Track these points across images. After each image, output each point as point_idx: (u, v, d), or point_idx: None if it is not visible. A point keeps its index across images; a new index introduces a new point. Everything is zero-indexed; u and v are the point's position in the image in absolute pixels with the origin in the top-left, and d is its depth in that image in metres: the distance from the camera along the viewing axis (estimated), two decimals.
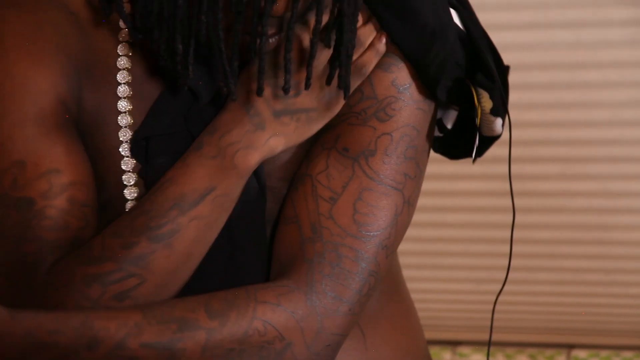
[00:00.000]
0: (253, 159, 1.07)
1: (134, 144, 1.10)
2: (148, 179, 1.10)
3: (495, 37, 1.21)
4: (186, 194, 1.07)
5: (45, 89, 1.12)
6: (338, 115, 1.10)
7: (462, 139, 1.24)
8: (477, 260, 2.20)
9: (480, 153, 1.24)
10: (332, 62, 1.06)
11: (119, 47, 1.12)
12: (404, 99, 1.10)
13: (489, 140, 1.20)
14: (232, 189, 1.07)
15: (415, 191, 1.12)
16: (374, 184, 1.08)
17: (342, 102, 1.08)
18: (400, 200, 1.09)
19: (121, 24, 1.12)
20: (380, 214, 1.08)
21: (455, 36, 1.13)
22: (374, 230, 1.08)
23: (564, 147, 2.09)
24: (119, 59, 1.12)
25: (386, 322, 1.18)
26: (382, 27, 1.10)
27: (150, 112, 1.10)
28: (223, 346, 1.03)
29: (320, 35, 1.05)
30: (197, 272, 1.09)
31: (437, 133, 1.21)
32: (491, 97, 1.14)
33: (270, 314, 1.04)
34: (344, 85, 1.06)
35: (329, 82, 1.07)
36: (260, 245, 1.10)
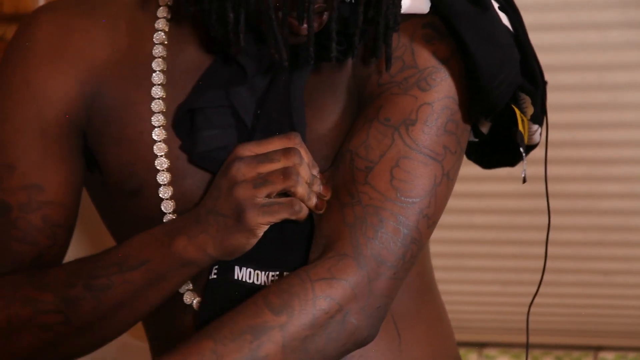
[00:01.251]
0: (186, 248, 1.08)
1: (176, 119, 1.11)
2: (192, 152, 1.11)
3: None
4: (130, 256, 1.10)
5: (54, 99, 1.15)
6: (380, 85, 1.10)
7: (497, 147, 1.23)
8: (503, 262, 2.19)
9: (514, 162, 1.23)
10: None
11: (154, 35, 1.14)
12: (444, 70, 1.10)
13: (524, 154, 1.20)
14: (164, 269, 1.09)
15: (455, 166, 1.11)
16: (413, 152, 1.08)
17: (256, 224, 1.07)
18: (439, 171, 1.09)
19: (158, 13, 1.15)
20: (418, 182, 1.08)
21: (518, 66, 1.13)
22: (412, 196, 1.08)
23: (591, 149, 2.09)
24: (155, 48, 1.14)
25: (421, 324, 1.18)
26: (458, 44, 1.10)
27: (195, 87, 1.12)
28: (299, 336, 1.04)
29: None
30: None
31: (472, 138, 1.20)
32: (533, 103, 1.14)
33: (328, 289, 1.05)
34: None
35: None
36: (305, 252, 1.11)
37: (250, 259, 1.11)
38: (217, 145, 1.11)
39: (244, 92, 1.10)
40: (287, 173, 1.05)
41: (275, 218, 1.06)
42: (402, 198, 1.07)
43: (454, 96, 1.10)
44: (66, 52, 1.15)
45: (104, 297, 1.10)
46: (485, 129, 1.20)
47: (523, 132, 1.15)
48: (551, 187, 2.10)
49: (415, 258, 1.09)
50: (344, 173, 1.10)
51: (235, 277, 1.11)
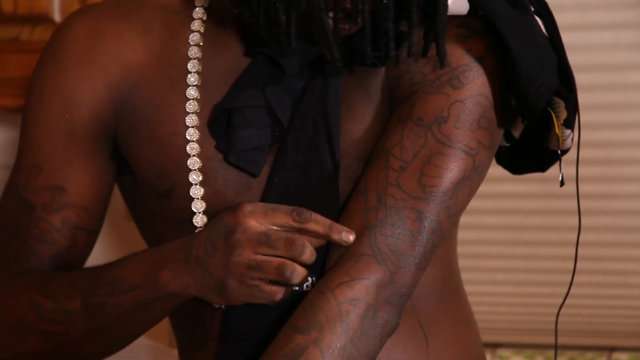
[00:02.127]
0: (170, 283, 1.10)
1: (212, 119, 1.12)
2: (228, 151, 1.12)
3: None
4: (122, 278, 1.12)
5: (83, 103, 1.16)
6: (414, 84, 1.10)
7: (528, 152, 1.23)
8: (517, 262, 2.19)
9: (545, 167, 1.23)
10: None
11: (190, 36, 1.15)
12: (477, 68, 1.11)
13: (554, 153, 1.20)
14: (150, 297, 1.11)
15: (486, 162, 1.12)
16: (445, 147, 1.09)
17: (236, 299, 1.08)
18: (470, 165, 1.10)
19: (194, 14, 1.16)
20: (447, 175, 1.09)
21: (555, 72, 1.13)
22: (438, 190, 1.08)
23: (604, 149, 2.08)
24: (190, 49, 1.15)
25: (448, 328, 1.18)
26: (499, 45, 1.10)
27: (232, 87, 1.13)
28: (336, 346, 1.05)
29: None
30: None
31: (503, 142, 1.20)
32: (566, 108, 1.14)
33: (350, 291, 1.06)
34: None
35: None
36: (323, 255, 1.11)
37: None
38: (253, 144, 1.11)
39: (281, 92, 1.11)
40: (281, 269, 1.05)
41: (254, 301, 1.08)
42: (428, 193, 1.08)
43: (487, 94, 1.10)
44: (97, 56, 1.17)
45: (98, 315, 1.12)
46: (517, 133, 1.20)
47: (559, 136, 1.15)
48: (564, 188, 2.10)
49: (436, 247, 1.09)
50: (377, 172, 1.10)
51: None
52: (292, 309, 1.09)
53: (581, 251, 2.18)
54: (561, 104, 1.16)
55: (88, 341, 1.14)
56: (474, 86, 1.10)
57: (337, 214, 1.11)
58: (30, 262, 1.16)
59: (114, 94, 1.16)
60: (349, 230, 1.07)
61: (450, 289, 1.19)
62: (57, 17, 1.82)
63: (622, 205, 2.12)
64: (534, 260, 2.15)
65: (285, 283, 1.07)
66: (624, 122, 2.06)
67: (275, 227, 1.06)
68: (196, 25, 1.16)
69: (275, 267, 1.05)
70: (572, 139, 1.20)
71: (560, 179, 1.17)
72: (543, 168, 1.25)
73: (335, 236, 1.07)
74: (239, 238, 1.06)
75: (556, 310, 2.22)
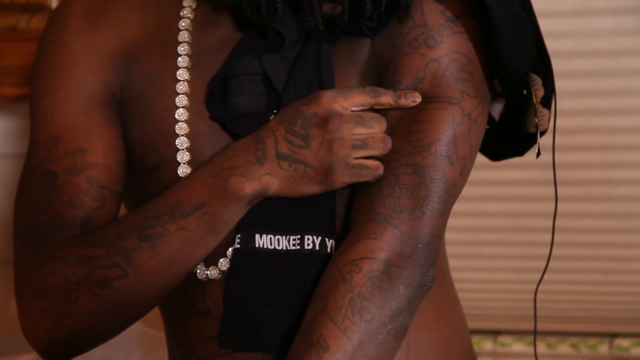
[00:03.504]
0: (243, 187, 1.09)
1: (210, 88, 1.13)
2: (225, 118, 1.13)
3: None
4: (181, 203, 1.10)
5: (92, 70, 1.18)
6: (395, 47, 1.12)
7: (504, 138, 1.24)
8: (517, 249, 2.19)
9: (522, 151, 1.24)
10: None
11: (180, 20, 1.17)
12: (451, 27, 1.12)
13: (531, 137, 1.21)
14: (220, 211, 1.10)
15: (478, 109, 1.13)
16: (425, 104, 1.11)
17: (339, 181, 1.10)
18: (457, 113, 1.11)
19: (184, 2, 1.18)
20: (433, 127, 1.11)
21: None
22: (427, 141, 1.10)
23: (604, 135, 2.08)
24: (181, 33, 1.17)
25: (431, 311, 1.18)
26: (482, 15, 1.11)
27: (228, 58, 1.14)
28: (343, 304, 1.06)
29: None
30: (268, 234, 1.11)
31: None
32: (543, 85, 1.15)
33: (349, 255, 1.08)
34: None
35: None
36: (327, 203, 1.12)
37: (270, 226, 1.12)
38: (249, 110, 1.12)
39: (276, 61, 1.13)
40: (385, 141, 1.10)
41: (360, 180, 1.10)
42: (418, 146, 1.09)
43: (463, 51, 1.12)
44: (100, 29, 1.19)
45: (160, 246, 1.10)
46: (496, 113, 1.21)
47: (536, 107, 1.17)
48: (565, 174, 2.09)
49: (449, 195, 1.10)
50: None
51: (257, 246, 1.12)
52: (295, 270, 1.10)
53: (582, 238, 2.19)
54: (538, 81, 1.17)
55: (149, 281, 1.11)
56: (448, 45, 1.12)
57: (333, 202, 1.12)
58: (63, 231, 1.13)
59: (116, 66, 1.18)
60: (411, 91, 1.11)
61: (436, 272, 1.19)
62: (54, 5, 1.82)
63: (622, 192, 2.11)
64: (535, 246, 2.15)
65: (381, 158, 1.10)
66: (624, 108, 2.06)
67: (354, 108, 1.10)
68: (186, 11, 1.19)
69: (379, 140, 1.09)
70: (549, 119, 1.21)
71: (537, 149, 1.19)
72: (521, 152, 1.27)
73: (403, 101, 1.11)
74: (338, 123, 1.09)
75: (558, 297, 2.22)
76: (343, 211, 1.14)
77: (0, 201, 2.21)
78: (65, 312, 1.12)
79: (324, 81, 1.12)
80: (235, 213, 1.11)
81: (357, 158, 1.09)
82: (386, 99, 1.10)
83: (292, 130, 1.09)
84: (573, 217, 2.14)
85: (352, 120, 1.09)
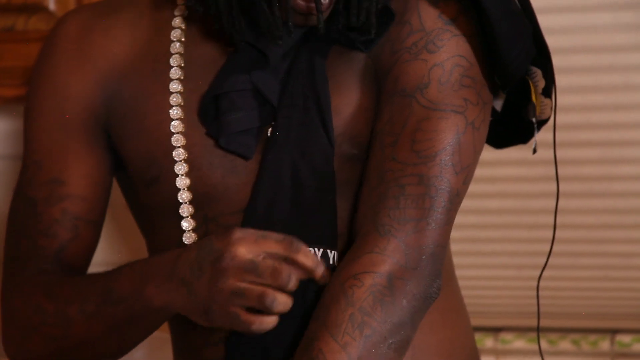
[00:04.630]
0: (153, 298, 1.11)
1: (201, 108, 1.14)
2: (218, 136, 1.14)
3: None
4: (112, 290, 1.13)
5: (75, 95, 1.19)
6: (394, 53, 1.11)
7: (508, 126, 1.24)
8: (518, 246, 2.18)
9: (525, 139, 1.24)
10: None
11: (172, 32, 1.17)
12: (450, 31, 1.12)
13: (535, 125, 1.21)
14: (138, 310, 1.12)
15: (481, 116, 1.12)
16: (431, 112, 1.10)
17: (216, 322, 1.09)
18: (461, 122, 1.10)
19: (176, 11, 1.18)
20: (438, 136, 1.10)
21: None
22: (433, 151, 1.09)
23: (604, 131, 2.07)
24: (173, 45, 1.18)
25: (436, 313, 1.18)
26: (479, 16, 1.11)
27: (217, 75, 1.15)
28: (342, 319, 1.06)
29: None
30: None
31: None
32: (544, 76, 1.15)
33: (352, 268, 1.08)
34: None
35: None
36: (328, 212, 1.12)
37: None
38: (241, 127, 1.13)
39: (267, 75, 1.12)
40: (262, 297, 1.05)
41: (234, 328, 1.08)
42: (423, 156, 1.09)
43: (464, 54, 1.12)
44: (87, 50, 1.20)
45: (92, 323, 1.14)
46: (498, 105, 1.20)
47: (536, 104, 1.16)
48: (565, 170, 2.09)
49: (453, 204, 1.10)
50: (374, 154, 1.11)
51: None
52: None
53: (583, 234, 2.18)
54: (539, 73, 1.17)
55: (86, 347, 1.16)
56: (449, 48, 1.12)
57: (333, 190, 1.12)
58: (38, 259, 1.19)
59: (103, 86, 1.19)
60: (327, 270, 1.08)
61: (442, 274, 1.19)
62: (52, 6, 1.82)
63: (623, 188, 2.11)
64: (535, 243, 2.14)
65: (267, 311, 1.07)
66: (624, 104, 2.06)
67: (264, 255, 1.06)
68: (177, 22, 1.19)
69: (257, 295, 1.06)
70: (551, 108, 1.21)
71: (533, 145, 1.19)
72: (524, 140, 1.26)
73: (318, 273, 1.07)
74: (227, 264, 1.06)
75: (559, 293, 2.22)
76: (348, 215, 1.13)
77: (0, 203, 2.21)
78: (25, 345, 1.18)
79: (319, 91, 1.12)
80: (151, 316, 1.12)
81: (236, 306, 1.07)
82: (303, 259, 1.06)
83: (197, 258, 1.08)
84: (573, 214, 2.13)
85: (243, 266, 1.06)
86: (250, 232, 1.07)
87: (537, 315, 1.26)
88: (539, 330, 1.24)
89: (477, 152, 1.11)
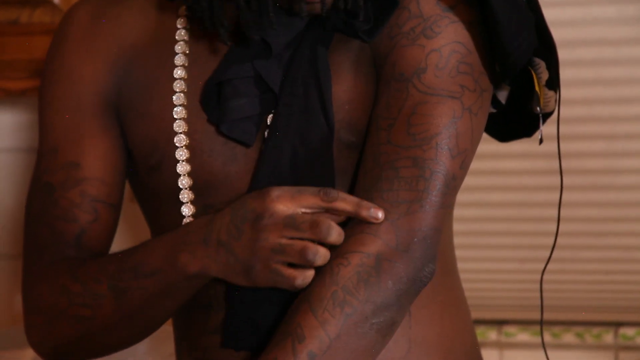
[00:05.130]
0: (188, 265, 1.10)
1: (204, 94, 1.14)
2: (221, 122, 1.14)
3: None
4: (142, 263, 1.12)
5: (87, 79, 1.20)
6: (391, 38, 1.11)
7: (512, 119, 1.24)
8: (522, 239, 2.19)
9: (530, 133, 1.24)
10: None
11: (177, 20, 1.18)
12: (448, 17, 1.12)
13: (539, 118, 1.21)
14: (171, 280, 1.11)
15: (478, 103, 1.12)
16: (427, 96, 1.10)
17: (260, 281, 1.08)
18: (458, 107, 1.10)
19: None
20: (434, 120, 1.09)
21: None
22: (428, 135, 1.09)
23: (608, 124, 2.07)
24: (178, 32, 1.19)
25: (435, 307, 1.18)
26: (481, 7, 1.11)
27: (221, 63, 1.15)
28: (325, 295, 1.05)
29: None
30: None
31: (490, 109, 1.21)
32: (547, 68, 1.15)
33: (341, 248, 1.07)
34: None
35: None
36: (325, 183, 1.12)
37: None
38: (243, 114, 1.13)
39: (270, 63, 1.13)
40: (304, 252, 1.05)
41: (277, 286, 1.08)
42: (418, 140, 1.08)
43: (462, 41, 1.12)
44: (97, 37, 1.21)
45: (123, 299, 1.13)
46: (503, 97, 1.20)
47: (539, 95, 1.16)
48: (569, 163, 2.08)
49: (449, 188, 1.09)
50: (370, 138, 1.11)
51: None
52: None
53: (586, 227, 2.18)
54: (542, 65, 1.17)
55: (115, 327, 1.15)
56: (447, 34, 1.12)
57: (332, 177, 1.12)
58: (58, 245, 1.18)
59: (113, 71, 1.20)
60: (377, 206, 1.07)
61: (442, 268, 1.18)
62: None
63: (626, 180, 2.11)
64: (539, 236, 2.15)
65: (309, 265, 1.06)
66: (627, 97, 2.06)
67: (303, 210, 1.07)
68: (183, 9, 1.20)
69: (298, 250, 1.05)
70: (556, 100, 1.20)
71: (539, 136, 1.18)
72: (529, 133, 1.26)
73: (364, 213, 1.07)
74: (266, 222, 1.06)
75: (562, 286, 2.22)
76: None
77: (5, 195, 2.21)
78: (51, 330, 1.17)
79: (321, 78, 1.12)
80: (185, 285, 1.12)
81: (277, 263, 1.06)
82: (343, 205, 1.06)
83: (234, 220, 1.08)
84: (577, 206, 2.13)
85: (282, 222, 1.06)
86: (286, 189, 1.07)
87: (541, 308, 1.26)
88: (542, 323, 1.24)
89: (475, 138, 1.11)
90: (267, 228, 1.06)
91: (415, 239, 1.07)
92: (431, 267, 1.08)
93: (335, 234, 1.06)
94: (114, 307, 1.13)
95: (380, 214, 1.06)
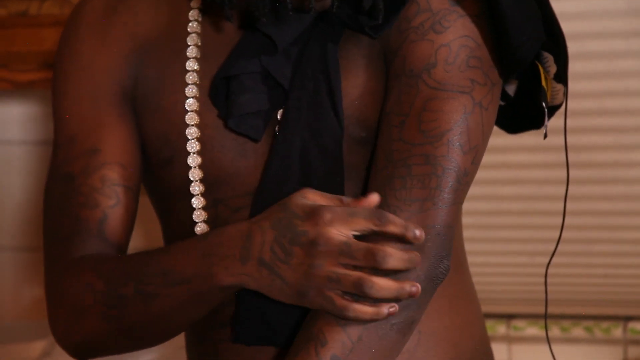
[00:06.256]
0: (222, 280, 1.08)
1: (212, 88, 1.14)
2: (228, 117, 1.14)
3: None
4: (172, 271, 1.11)
5: (104, 69, 1.20)
6: (401, 33, 1.11)
7: (521, 111, 1.23)
8: (531, 232, 2.18)
9: (539, 125, 1.24)
10: None
11: (190, 12, 1.18)
12: (457, 11, 1.12)
13: (549, 110, 1.21)
14: (203, 290, 1.10)
15: (489, 97, 1.12)
16: (438, 92, 1.10)
17: (313, 305, 1.07)
18: (469, 102, 1.10)
19: None
20: (445, 116, 1.09)
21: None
22: (439, 131, 1.09)
23: (618, 117, 2.07)
24: (190, 24, 1.18)
25: (444, 300, 1.18)
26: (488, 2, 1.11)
27: (228, 57, 1.15)
28: (379, 325, 1.06)
29: None
30: None
31: (500, 102, 1.21)
32: (555, 62, 1.15)
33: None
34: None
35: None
36: (336, 194, 1.12)
37: None
38: (251, 109, 1.12)
39: (277, 59, 1.13)
40: (359, 284, 1.04)
41: (328, 311, 1.06)
42: (430, 137, 1.08)
43: (471, 35, 1.11)
44: (111, 27, 1.21)
45: (151, 304, 1.12)
46: (511, 90, 1.20)
47: (546, 89, 1.16)
48: (578, 157, 2.08)
49: (461, 184, 1.09)
50: (382, 136, 1.11)
51: None
52: None
53: (595, 220, 2.18)
54: (550, 58, 1.17)
55: (141, 328, 1.14)
56: (456, 29, 1.11)
57: (342, 173, 1.12)
58: (81, 234, 1.17)
59: (128, 62, 1.20)
60: (418, 227, 1.05)
61: (452, 262, 1.18)
62: None
63: (636, 174, 2.10)
64: (548, 230, 2.14)
65: (364, 297, 1.05)
66: (638, 90, 2.05)
67: (356, 233, 1.05)
68: (195, 2, 1.20)
69: (353, 281, 1.04)
70: (564, 93, 1.20)
71: (544, 131, 1.18)
72: (537, 125, 1.26)
73: (410, 234, 1.04)
74: (321, 250, 1.04)
75: (571, 280, 2.21)
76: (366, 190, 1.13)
77: (14, 188, 2.22)
78: (75, 326, 1.16)
79: (330, 74, 1.12)
80: (217, 295, 1.10)
81: (331, 290, 1.04)
82: (392, 228, 1.04)
83: (279, 241, 1.05)
84: (587, 200, 2.13)
85: (337, 249, 1.03)
86: (337, 211, 1.04)
87: (545, 301, 1.26)
88: (546, 316, 1.24)
89: (486, 133, 1.11)
90: (321, 255, 1.04)
91: (429, 237, 1.06)
92: (446, 263, 1.08)
93: (392, 261, 1.03)
94: (140, 310, 1.12)
95: (418, 233, 1.04)
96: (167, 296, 1.11)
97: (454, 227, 1.09)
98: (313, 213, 1.04)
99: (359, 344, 1.04)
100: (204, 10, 1.19)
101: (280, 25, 1.12)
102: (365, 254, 1.03)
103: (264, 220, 1.07)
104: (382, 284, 1.04)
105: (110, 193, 1.17)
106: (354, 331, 1.04)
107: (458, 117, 1.09)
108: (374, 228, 1.04)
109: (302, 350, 1.04)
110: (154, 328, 1.14)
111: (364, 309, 1.04)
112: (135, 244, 1.29)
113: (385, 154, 1.10)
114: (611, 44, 2.02)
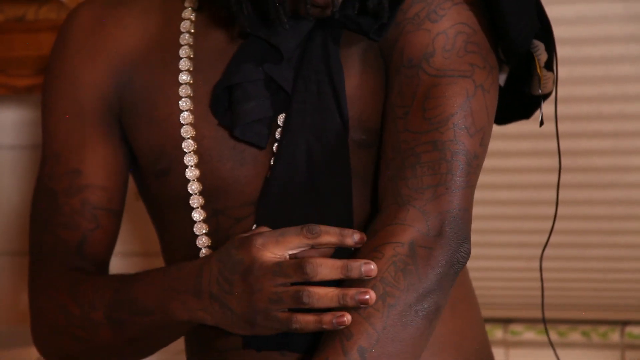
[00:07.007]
0: (180, 315, 1.10)
1: (214, 97, 1.14)
2: (233, 126, 1.14)
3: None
4: (137, 300, 1.13)
5: (90, 84, 1.20)
6: (396, 25, 1.11)
7: (510, 101, 1.24)
8: (528, 237, 2.18)
9: (528, 114, 1.24)
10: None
11: (181, 24, 1.18)
12: (450, 0, 1.13)
13: (537, 100, 1.21)
14: (164, 322, 1.12)
15: (489, 80, 1.13)
16: (438, 79, 1.10)
17: (263, 331, 1.08)
18: (470, 85, 1.11)
19: (185, 2, 1.19)
20: (448, 101, 1.10)
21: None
22: (444, 116, 1.10)
23: (616, 122, 2.07)
24: (182, 36, 1.18)
25: (447, 305, 1.18)
26: None
27: (229, 66, 1.15)
28: (403, 312, 1.06)
29: None
30: (284, 223, 1.11)
31: None
32: (547, 49, 1.16)
33: (373, 242, 1.07)
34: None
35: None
36: (343, 196, 1.12)
37: (288, 225, 1.11)
38: (255, 116, 1.12)
39: (279, 65, 1.13)
40: (296, 296, 1.05)
41: (278, 331, 1.08)
42: (435, 123, 1.09)
43: (467, 21, 1.12)
44: (99, 41, 1.21)
45: (119, 330, 1.14)
46: (502, 80, 1.21)
47: (540, 76, 1.17)
48: (576, 161, 2.08)
49: (471, 167, 1.09)
50: (388, 128, 1.11)
51: None
52: None
53: (593, 225, 2.18)
54: (541, 46, 1.17)
55: (115, 350, 1.16)
56: (451, 16, 1.12)
57: (348, 174, 1.12)
58: (61, 254, 1.19)
59: (115, 76, 1.20)
60: (357, 231, 1.07)
61: None
62: None
63: (633, 179, 2.10)
64: (546, 234, 2.14)
65: (308, 308, 1.06)
66: (635, 95, 2.05)
67: (291, 252, 1.06)
68: (187, 13, 1.20)
69: (291, 295, 1.05)
70: (554, 81, 1.21)
71: (540, 118, 1.19)
72: (527, 115, 1.27)
73: (349, 240, 1.07)
74: (257, 274, 1.06)
75: (568, 285, 2.21)
76: (360, 203, 1.13)
77: (10, 192, 2.21)
78: (53, 345, 1.19)
79: (334, 75, 1.12)
80: (180, 327, 1.12)
81: (277, 311, 1.06)
82: (327, 238, 1.06)
83: (223, 272, 1.07)
84: (584, 205, 2.13)
85: (271, 271, 1.05)
86: (268, 235, 1.07)
87: (541, 298, 1.26)
88: (544, 315, 1.24)
89: (490, 115, 1.11)
90: (259, 280, 1.06)
91: (446, 222, 1.07)
92: (466, 246, 1.08)
93: (324, 271, 1.05)
94: (111, 335, 1.14)
95: (356, 237, 1.06)
96: (135, 324, 1.12)
97: (470, 210, 1.09)
98: (245, 242, 1.06)
99: (385, 333, 1.04)
100: (195, 22, 1.18)
101: (283, 33, 1.12)
102: (296, 269, 1.05)
103: (212, 255, 1.10)
104: (320, 292, 1.05)
105: (90, 217, 1.19)
106: (377, 321, 1.04)
107: (461, 100, 1.09)
108: (308, 242, 1.06)
109: (328, 345, 1.05)
110: (126, 350, 1.16)
111: (307, 318, 1.06)
112: (134, 248, 1.29)
113: (392, 146, 1.10)
114: (609, 49, 2.02)
